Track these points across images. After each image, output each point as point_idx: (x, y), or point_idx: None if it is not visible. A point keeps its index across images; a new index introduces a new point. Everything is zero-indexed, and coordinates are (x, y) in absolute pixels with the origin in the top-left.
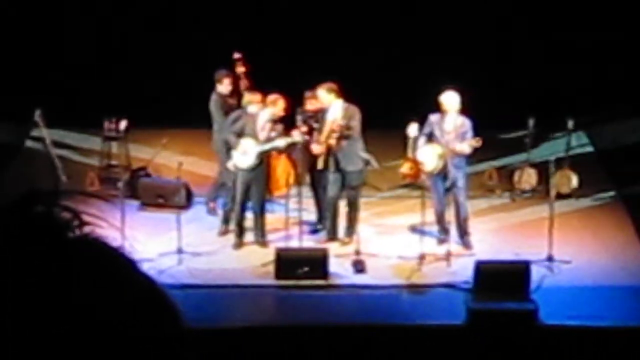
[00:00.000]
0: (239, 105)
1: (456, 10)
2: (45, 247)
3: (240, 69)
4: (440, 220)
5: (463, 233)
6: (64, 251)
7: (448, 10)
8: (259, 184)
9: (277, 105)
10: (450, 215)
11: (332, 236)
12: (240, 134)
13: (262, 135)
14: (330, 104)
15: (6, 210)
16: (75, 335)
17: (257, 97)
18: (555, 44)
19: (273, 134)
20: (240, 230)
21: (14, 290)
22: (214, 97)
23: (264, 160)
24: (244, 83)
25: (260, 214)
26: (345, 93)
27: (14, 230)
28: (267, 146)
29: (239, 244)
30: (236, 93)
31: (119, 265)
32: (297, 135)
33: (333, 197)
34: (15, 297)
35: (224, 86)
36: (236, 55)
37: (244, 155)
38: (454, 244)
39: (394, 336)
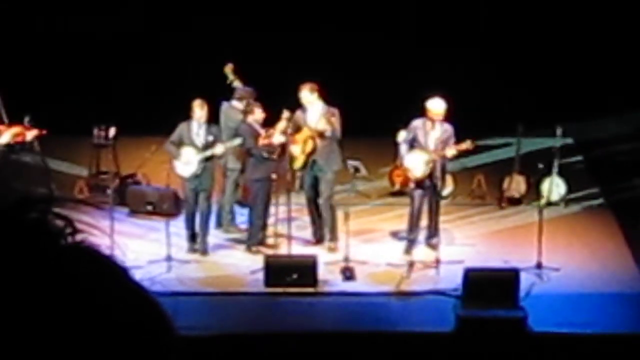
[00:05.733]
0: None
1: (446, 16)
2: (38, 255)
3: (235, 80)
4: (414, 227)
5: (432, 235)
6: (56, 259)
7: (437, 16)
8: (205, 192)
9: (195, 112)
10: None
11: (317, 238)
12: (179, 144)
13: (199, 141)
14: (311, 104)
15: None
16: (67, 343)
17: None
18: (547, 49)
19: (210, 138)
20: (192, 236)
21: (5, 297)
22: (243, 127)
23: (208, 167)
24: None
25: (206, 222)
26: (333, 100)
27: (6, 237)
28: (208, 153)
29: (192, 250)
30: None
31: (111, 273)
32: (237, 140)
33: (311, 198)
34: (7, 304)
35: (253, 116)
36: (229, 66)
37: (187, 164)
38: (443, 251)
39: (383, 343)
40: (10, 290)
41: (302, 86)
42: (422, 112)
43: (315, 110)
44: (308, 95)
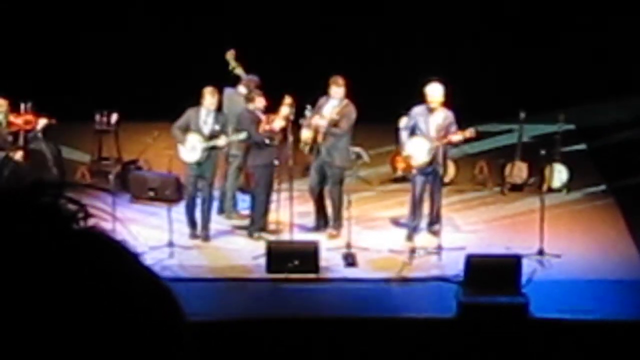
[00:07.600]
0: None
1: (448, 3)
2: (51, 239)
3: (237, 66)
4: (416, 214)
5: (434, 222)
6: (69, 243)
7: (440, 3)
8: (206, 179)
9: (205, 99)
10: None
11: (319, 225)
12: (185, 129)
13: (206, 129)
14: (336, 96)
15: (11, 201)
16: (80, 327)
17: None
18: (549, 36)
19: (217, 127)
20: (193, 222)
21: (18, 281)
22: (244, 114)
23: (212, 155)
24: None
25: (208, 207)
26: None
27: (19, 221)
28: (211, 143)
29: (194, 236)
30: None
31: (123, 258)
32: (242, 135)
33: (313, 187)
34: (20, 287)
35: (254, 104)
36: (230, 52)
37: (192, 150)
38: (444, 237)
39: (385, 329)
40: (23, 275)
41: (339, 79)
42: (422, 99)
43: (333, 103)
44: (342, 89)
